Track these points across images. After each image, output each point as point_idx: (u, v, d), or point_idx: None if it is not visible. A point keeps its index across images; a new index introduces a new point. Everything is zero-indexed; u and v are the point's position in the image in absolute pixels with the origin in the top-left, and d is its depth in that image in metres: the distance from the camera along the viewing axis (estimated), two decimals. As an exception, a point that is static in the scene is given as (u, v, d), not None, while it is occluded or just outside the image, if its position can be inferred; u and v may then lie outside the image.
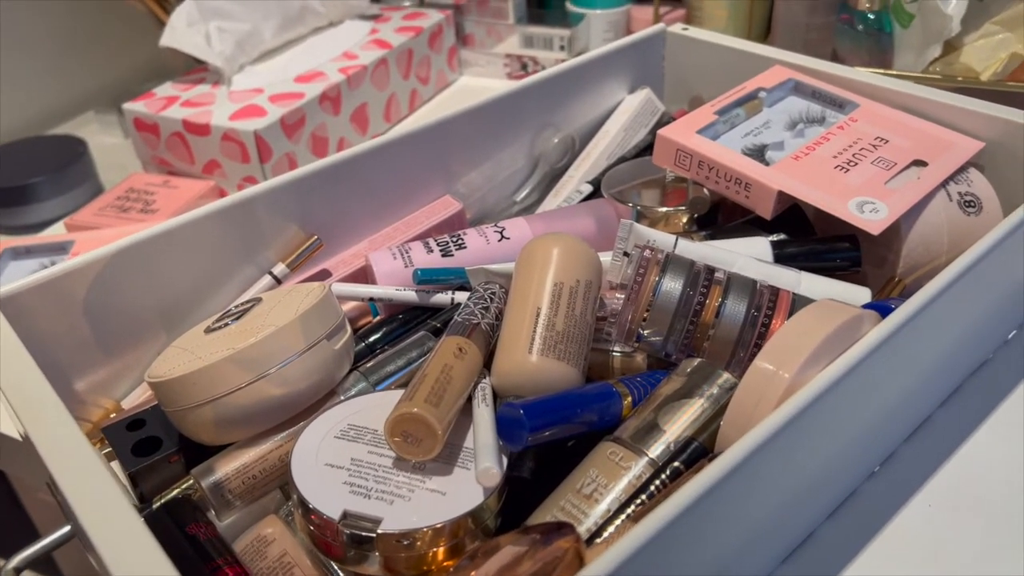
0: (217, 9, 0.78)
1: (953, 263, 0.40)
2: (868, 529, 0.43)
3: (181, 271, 0.49)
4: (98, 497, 0.32)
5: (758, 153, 0.54)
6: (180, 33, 0.76)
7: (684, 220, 0.56)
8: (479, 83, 0.96)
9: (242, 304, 0.46)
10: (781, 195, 0.50)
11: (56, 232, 0.74)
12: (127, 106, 0.75)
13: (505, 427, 0.39)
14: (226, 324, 0.44)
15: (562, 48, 0.92)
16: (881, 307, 0.42)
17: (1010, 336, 0.54)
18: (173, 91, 0.77)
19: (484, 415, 0.39)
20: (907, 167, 0.52)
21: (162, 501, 0.41)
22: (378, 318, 0.53)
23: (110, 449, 0.44)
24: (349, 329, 0.45)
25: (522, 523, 0.39)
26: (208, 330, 0.44)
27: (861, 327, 0.37)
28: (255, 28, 0.81)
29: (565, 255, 0.45)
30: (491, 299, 0.47)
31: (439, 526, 0.35)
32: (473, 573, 0.34)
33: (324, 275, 0.55)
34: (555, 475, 0.40)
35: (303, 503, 0.36)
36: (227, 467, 0.41)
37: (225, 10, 0.79)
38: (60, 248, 0.66)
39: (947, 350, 0.46)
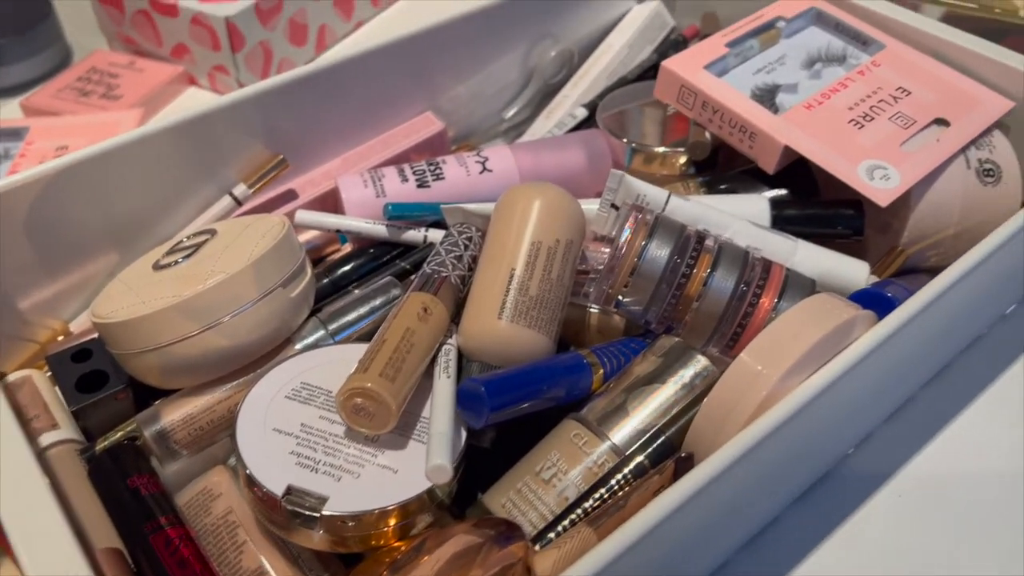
0: None
1: (956, 264, 0.37)
2: (833, 517, 0.42)
3: (134, 190, 0.45)
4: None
5: (769, 95, 0.49)
6: None
7: (682, 162, 0.52)
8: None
9: (196, 235, 0.42)
10: (787, 150, 0.46)
11: (12, 114, 0.69)
12: (88, -26, 0.69)
13: (466, 402, 0.36)
14: (176, 262, 0.40)
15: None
16: (879, 298, 0.39)
17: (1008, 311, 0.51)
18: (141, -40, 0.70)
19: (444, 390, 0.36)
20: (927, 126, 0.47)
21: (104, 445, 0.39)
22: (346, 249, 0.50)
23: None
24: (309, 271, 0.42)
25: (479, 496, 0.37)
26: (156, 266, 0.41)
27: (853, 331, 0.35)
28: None
29: (547, 210, 0.41)
30: (465, 245, 0.44)
31: (389, 508, 0.34)
32: (425, 559, 0.33)
33: (290, 196, 0.51)
34: (517, 443, 0.39)
35: (247, 474, 0.34)
36: (173, 415, 0.39)
37: None
38: (15, 134, 0.62)
39: (939, 335, 0.44)
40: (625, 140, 0.52)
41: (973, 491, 0.43)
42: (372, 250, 0.48)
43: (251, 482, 0.34)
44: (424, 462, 0.34)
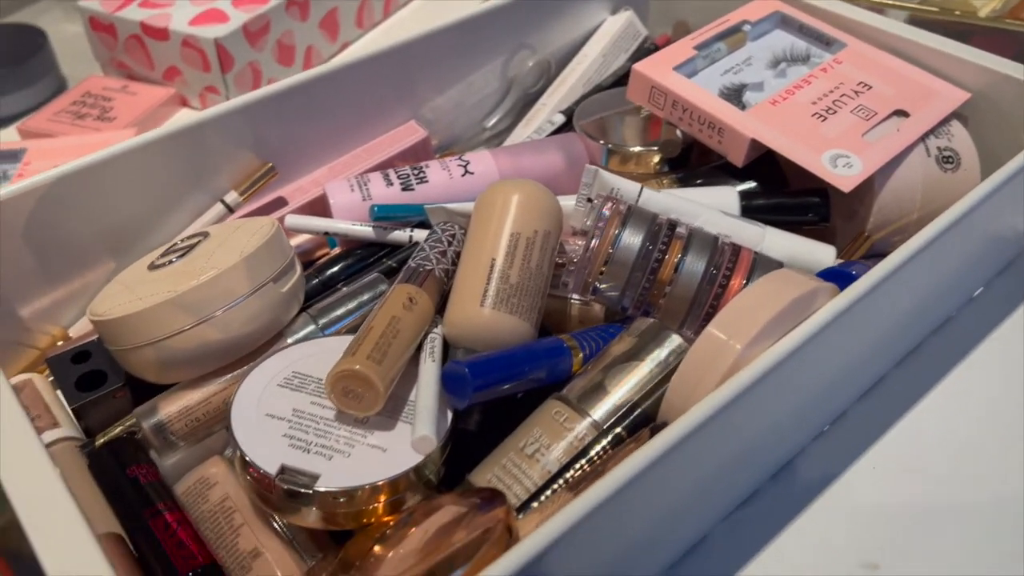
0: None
1: (914, 238, 0.39)
2: (810, 491, 0.43)
3: (128, 198, 0.47)
4: (11, 441, 0.31)
5: (736, 94, 0.52)
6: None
7: (656, 160, 0.54)
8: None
9: (189, 238, 0.44)
10: (754, 143, 0.48)
11: (9, 137, 0.71)
12: (82, 3, 0.71)
13: (451, 383, 0.38)
14: (170, 261, 0.42)
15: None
16: (841, 274, 0.41)
17: (976, 294, 0.53)
18: (132, -13, 0.73)
19: (430, 372, 0.38)
20: (888, 117, 0.50)
21: (104, 439, 0.41)
22: (335, 252, 0.51)
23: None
24: (299, 269, 0.44)
25: (466, 476, 0.39)
26: (152, 266, 0.43)
27: (815, 300, 0.36)
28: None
29: (524, 203, 0.43)
30: (449, 241, 0.46)
31: (379, 484, 0.35)
32: (412, 530, 0.35)
33: (280, 203, 0.53)
34: (503, 427, 0.40)
35: (242, 455, 0.36)
36: (170, 408, 0.41)
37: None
38: (12, 156, 0.64)
39: (907, 314, 0.46)
40: (601, 142, 0.54)
41: (948, 465, 0.44)
42: (359, 251, 0.50)
43: (246, 464, 0.36)
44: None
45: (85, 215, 0.46)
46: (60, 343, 0.48)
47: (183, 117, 0.72)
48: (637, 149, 0.53)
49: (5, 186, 0.43)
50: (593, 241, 0.42)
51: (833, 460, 0.44)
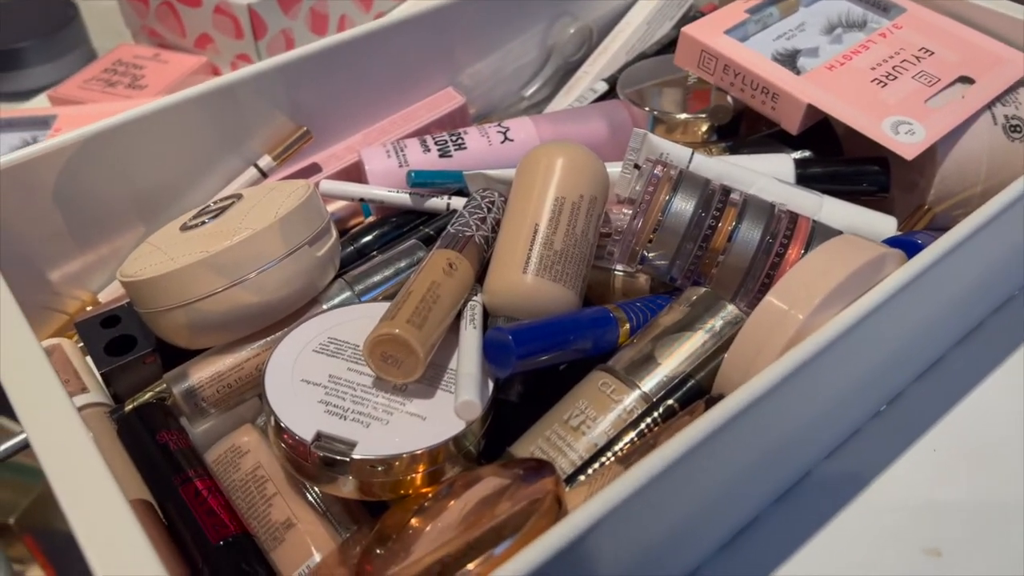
0: None
1: (987, 204, 0.36)
2: (868, 472, 0.41)
3: (160, 159, 0.46)
4: (43, 403, 0.30)
5: (790, 59, 0.49)
6: None
7: (704, 128, 0.52)
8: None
9: (222, 200, 0.43)
10: (810, 109, 0.46)
11: (40, 104, 0.70)
12: (114, -31, 0.70)
13: (492, 351, 0.36)
14: (203, 222, 0.41)
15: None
16: (906, 243, 0.39)
17: (1040, 272, 0.51)
18: (164, -46, 0.71)
19: (471, 338, 0.36)
20: (951, 84, 0.47)
21: (134, 405, 0.40)
22: (370, 220, 0.50)
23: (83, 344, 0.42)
24: (335, 233, 0.42)
25: (506, 448, 0.37)
26: (184, 228, 0.41)
27: (883, 268, 0.34)
28: None
29: (569, 167, 0.41)
30: (488, 208, 0.44)
31: (417, 453, 0.34)
32: (452, 502, 0.33)
33: (314, 169, 0.51)
34: (544, 400, 0.38)
35: (276, 421, 0.34)
36: (201, 374, 0.39)
37: None
38: (42, 122, 0.63)
39: (971, 288, 0.43)
40: (647, 109, 0.52)
41: (1009, 450, 0.42)
42: (395, 219, 0.48)
43: (280, 430, 0.34)
44: (453, 409, 0.34)
45: (116, 177, 0.45)
46: (89, 308, 0.47)
47: (215, 85, 0.71)
48: (684, 116, 0.51)
49: (35, 146, 0.42)
50: (642, 207, 0.40)
51: (891, 441, 0.42)
